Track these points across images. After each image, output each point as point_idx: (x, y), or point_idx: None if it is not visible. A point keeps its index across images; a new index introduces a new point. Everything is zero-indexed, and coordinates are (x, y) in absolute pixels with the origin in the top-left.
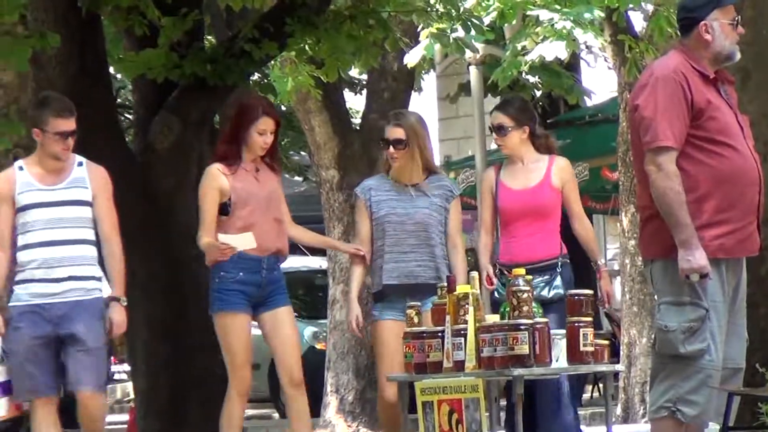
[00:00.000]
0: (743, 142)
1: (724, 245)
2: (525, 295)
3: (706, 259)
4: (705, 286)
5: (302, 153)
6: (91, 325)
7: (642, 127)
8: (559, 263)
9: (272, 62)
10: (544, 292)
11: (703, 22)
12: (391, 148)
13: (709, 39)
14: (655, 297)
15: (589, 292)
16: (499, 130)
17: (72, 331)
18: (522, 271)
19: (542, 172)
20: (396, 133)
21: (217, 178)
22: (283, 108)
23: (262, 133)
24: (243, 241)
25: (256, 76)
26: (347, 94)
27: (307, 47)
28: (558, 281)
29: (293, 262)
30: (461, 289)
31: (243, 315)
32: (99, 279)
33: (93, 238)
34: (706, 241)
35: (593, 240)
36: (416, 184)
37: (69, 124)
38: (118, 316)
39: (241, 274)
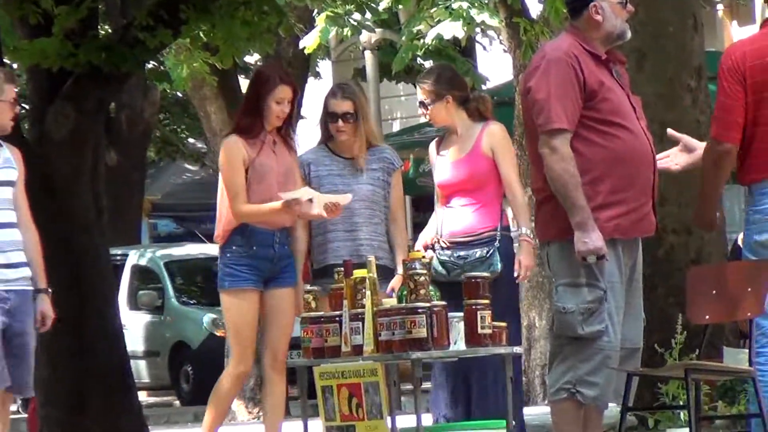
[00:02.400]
0: (636, 122)
1: (620, 226)
2: (422, 278)
3: (603, 241)
4: (602, 267)
5: (192, 140)
6: (33, 323)
7: (535, 109)
8: (498, 236)
9: (167, 49)
10: (479, 270)
11: (592, 3)
12: (340, 122)
13: (600, 19)
14: (553, 279)
15: (486, 274)
16: (421, 106)
17: (24, 327)
18: (419, 254)
19: (473, 141)
20: (345, 106)
21: (238, 148)
22: (179, 95)
23: (279, 102)
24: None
25: (151, 64)
26: (242, 80)
27: (201, 34)
28: (495, 257)
29: (190, 250)
30: (357, 273)
31: (253, 292)
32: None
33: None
34: (602, 222)
35: (521, 207)
36: (357, 157)
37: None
38: (48, 308)
39: (254, 248)
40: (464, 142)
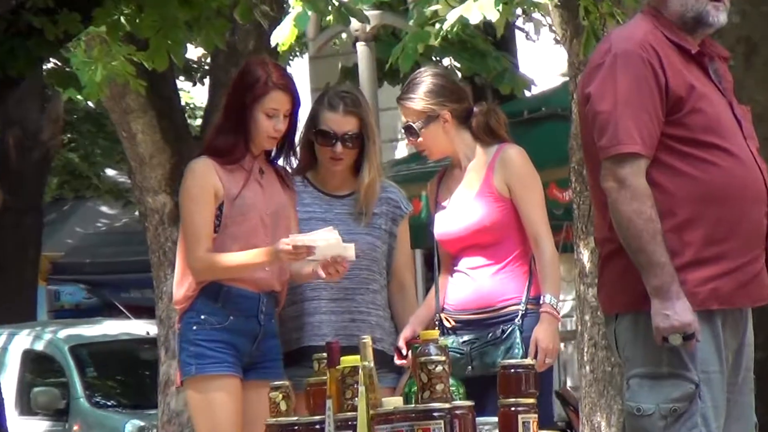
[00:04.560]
0: (742, 143)
1: (718, 291)
2: (439, 368)
3: (692, 313)
4: (692, 350)
5: (110, 170)
6: None
7: (597, 126)
8: (521, 311)
9: (74, 42)
10: (495, 358)
11: None
12: (339, 146)
13: None
14: (624, 368)
15: (530, 362)
16: (407, 131)
17: None
18: (434, 333)
19: (482, 175)
20: (347, 123)
21: (210, 175)
22: (92, 107)
23: (271, 115)
24: (328, 242)
25: (52, 63)
26: (183, 83)
27: (123, 20)
28: (515, 338)
29: (108, 329)
30: (347, 360)
31: (234, 379)
32: None
33: None
34: (692, 286)
35: (548, 265)
36: (349, 195)
37: None
38: None
39: (231, 318)
40: (471, 178)
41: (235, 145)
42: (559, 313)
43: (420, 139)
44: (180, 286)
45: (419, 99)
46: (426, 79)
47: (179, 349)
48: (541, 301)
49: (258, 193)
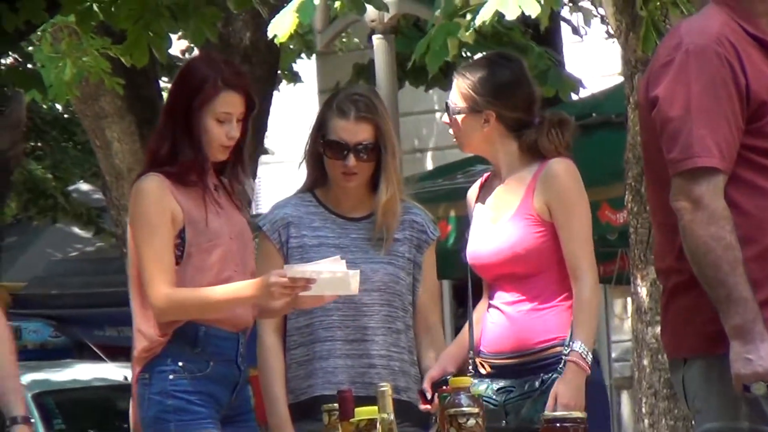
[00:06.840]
0: None
1: None
2: (471, 421)
3: None
4: None
5: (83, 185)
6: None
7: (667, 135)
8: (565, 355)
9: (39, 34)
10: (533, 414)
11: None
12: (351, 159)
13: None
14: (693, 422)
15: (580, 415)
16: (447, 107)
17: None
18: (466, 380)
19: (521, 193)
20: (361, 132)
21: (166, 196)
22: (59, 110)
23: (223, 120)
24: (333, 275)
25: (11, 58)
26: (165, 85)
27: (96, 7)
28: None
29: (78, 373)
30: (362, 412)
31: None
32: None
33: None
34: None
35: (586, 307)
36: (366, 218)
37: None
38: None
39: (211, 364)
40: (509, 194)
41: (180, 156)
42: (588, 365)
43: (451, 121)
44: (142, 331)
45: (470, 82)
46: (490, 67)
47: (147, 403)
48: (570, 348)
49: (220, 215)
